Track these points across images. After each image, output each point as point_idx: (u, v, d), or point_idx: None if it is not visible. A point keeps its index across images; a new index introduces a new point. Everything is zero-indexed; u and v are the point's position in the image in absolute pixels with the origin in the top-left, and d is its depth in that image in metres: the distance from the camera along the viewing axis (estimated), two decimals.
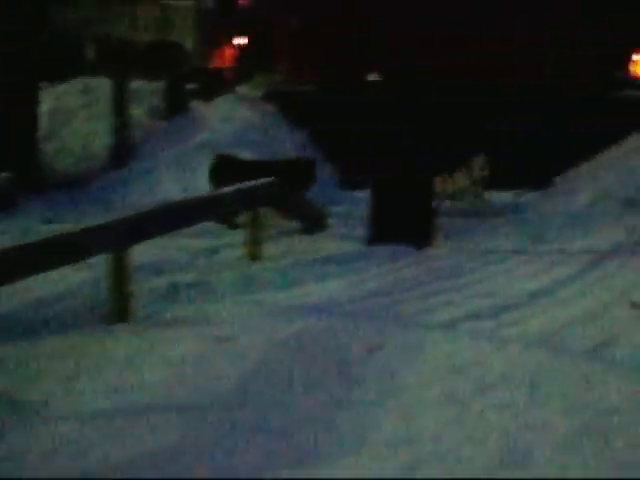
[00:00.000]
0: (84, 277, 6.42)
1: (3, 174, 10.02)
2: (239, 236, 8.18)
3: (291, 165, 9.84)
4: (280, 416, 4.07)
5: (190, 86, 13.98)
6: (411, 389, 4.52)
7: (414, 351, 5.10)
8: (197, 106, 13.22)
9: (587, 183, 9.96)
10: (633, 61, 16.39)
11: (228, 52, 19.12)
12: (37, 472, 3.48)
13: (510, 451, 3.87)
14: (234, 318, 5.81)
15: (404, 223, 8.20)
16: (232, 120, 12.91)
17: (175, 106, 12.98)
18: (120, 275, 5.65)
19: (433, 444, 3.88)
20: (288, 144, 12.78)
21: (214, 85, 14.14)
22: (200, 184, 11.47)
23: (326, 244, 8.55)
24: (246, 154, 12.11)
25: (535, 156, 9.83)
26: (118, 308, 5.66)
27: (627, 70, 15.42)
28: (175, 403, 4.21)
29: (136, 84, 12.99)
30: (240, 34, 17.35)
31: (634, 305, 6.30)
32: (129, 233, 5.73)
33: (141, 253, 7.40)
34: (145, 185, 11.11)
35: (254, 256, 7.86)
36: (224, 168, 9.83)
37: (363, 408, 4.25)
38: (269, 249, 8.17)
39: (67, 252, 5.36)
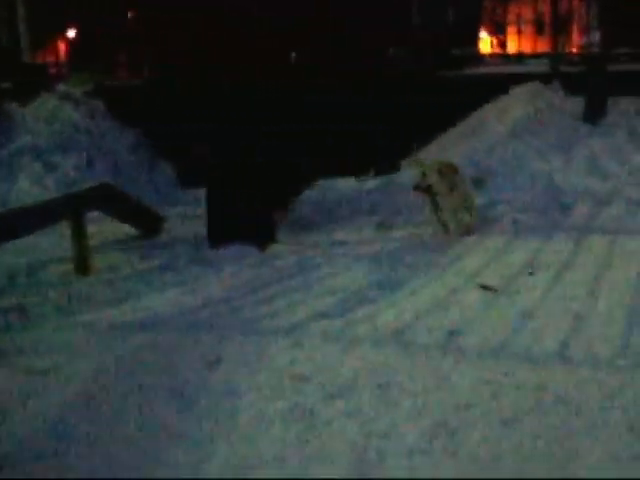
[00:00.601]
0: None
1: None
2: (67, 249, 7.73)
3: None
4: (99, 459, 3.76)
5: (6, 85, 13.27)
6: (251, 406, 4.32)
7: (256, 362, 4.91)
8: (14, 107, 12.52)
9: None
10: (480, 38, 16.92)
11: (57, 46, 18.33)
12: None
13: (360, 464, 3.74)
14: (58, 345, 5.42)
15: (243, 221, 8.00)
16: (55, 121, 12.32)
17: None
18: None
19: (276, 467, 3.70)
20: (119, 144, 12.34)
21: (33, 83, 13.45)
22: (22, 192, 10.90)
23: (164, 250, 8.23)
24: (72, 158, 11.62)
25: (379, 140, 9.83)
26: None
27: (476, 47, 15.88)
28: None
29: None
30: (70, 26, 16.66)
31: (483, 287, 6.36)
32: None
33: None
34: None
35: (83, 270, 7.46)
36: None
37: (198, 435, 4.02)
38: (100, 260, 7.78)
39: None
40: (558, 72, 11.82)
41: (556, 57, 12.90)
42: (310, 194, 9.54)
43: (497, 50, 18.06)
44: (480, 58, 15.40)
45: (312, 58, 12.59)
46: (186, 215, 10.16)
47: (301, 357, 4.94)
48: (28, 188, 11.08)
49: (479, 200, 8.78)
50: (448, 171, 8.21)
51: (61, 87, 13.11)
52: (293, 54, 13.16)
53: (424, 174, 8.09)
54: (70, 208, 7.53)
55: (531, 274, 6.76)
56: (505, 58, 16.01)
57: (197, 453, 3.85)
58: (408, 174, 9.15)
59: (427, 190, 8.11)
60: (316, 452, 3.82)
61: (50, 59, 16.69)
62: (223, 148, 8.14)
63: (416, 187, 8.17)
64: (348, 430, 4.00)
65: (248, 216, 8.06)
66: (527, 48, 17.33)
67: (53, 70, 15.89)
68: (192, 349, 5.17)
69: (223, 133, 8.05)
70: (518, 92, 11.04)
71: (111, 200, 8.28)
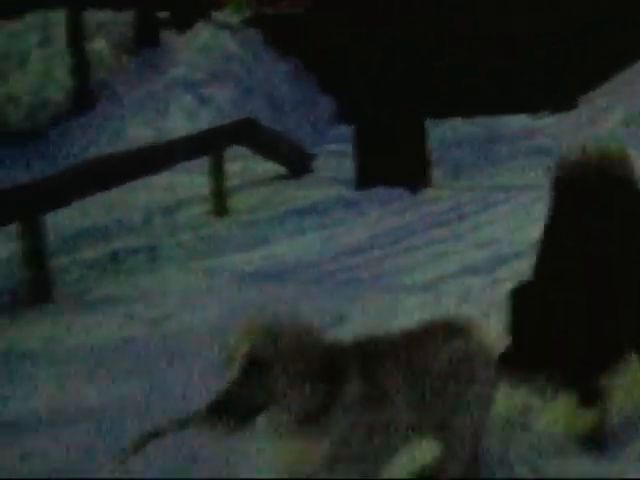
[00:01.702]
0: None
1: None
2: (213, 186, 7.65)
3: None
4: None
5: (163, 14, 13.40)
6: None
7: (384, 322, 4.62)
8: (170, 37, 12.63)
9: (617, 102, 9.28)
10: None
11: None
12: None
13: None
14: (177, 292, 5.38)
15: (395, 162, 7.67)
16: (210, 51, 12.32)
17: (145, 38, 12.40)
18: (34, 248, 5.21)
19: None
20: (275, 76, 12.21)
21: (191, 11, 13.52)
22: (175, 126, 11.01)
23: (309, 191, 8.05)
24: (226, 90, 11.60)
25: (555, 71, 9.15)
26: (36, 287, 5.23)
27: None
28: (79, 409, 3.78)
29: (101, 15, 12.42)
30: None
31: None
32: (42, 198, 5.27)
33: (84, 214, 7.07)
34: (110, 132, 10.62)
35: (220, 211, 7.41)
36: None
37: None
38: (240, 201, 7.71)
39: None
40: None
41: None
42: (471, 131, 9.07)
43: None
44: None
45: None
46: (340, 153, 9.93)
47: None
48: (181, 122, 11.16)
49: None
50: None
51: (217, 16, 13.09)
52: None
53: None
54: (209, 144, 7.46)
55: None
56: None
57: None
58: (587, 111, 8.51)
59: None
60: None
61: None
62: (378, 82, 7.75)
63: None
64: None
65: (400, 155, 7.72)
66: None
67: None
68: (317, 304, 4.96)
69: (381, 65, 7.68)
70: None
71: (255, 136, 8.15)
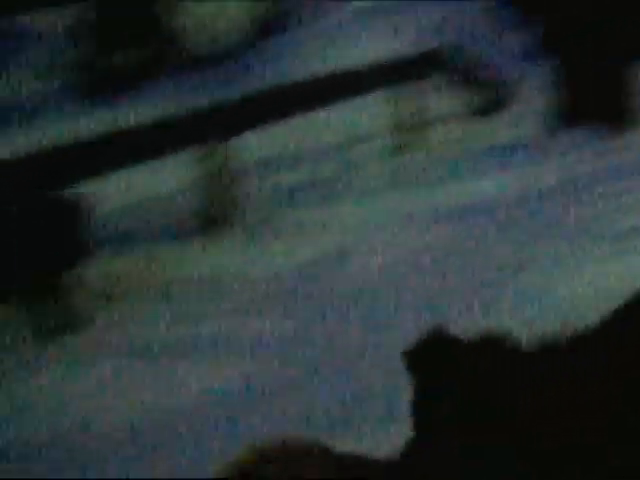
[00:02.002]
0: (184, 177, 6.21)
1: (118, 54, 9.97)
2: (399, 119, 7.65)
3: None
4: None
5: None
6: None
7: (565, 272, 4.53)
8: None
9: None
10: None
11: None
12: None
13: None
14: (355, 228, 5.46)
15: (598, 102, 7.41)
16: None
17: None
18: (222, 174, 5.42)
19: None
20: (470, 6, 11.91)
21: None
22: (362, 56, 11.01)
23: (498, 128, 7.94)
24: (417, 20, 11.46)
25: None
26: (219, 215, 5.46)
27: None
28: (244, 341, 3.95)
29: None
30: None
31: None
32: (233, 121, 5.43)
33: (270, 144, 7.26)
34: (297, 59, 10.75)
35: (409, 145, 7.43)
36: None
37: None
38: (424, 137, 7.68)
39: (152, 147, 5.14)
40: None
41: None
42: None
43: None
44: None
45: None
46: (537, 90, 9.67)
47: (622, 271, 4.47)
48: (369, 52, 11.13)
49: None
50: None
51: None
52: None
53: None
54: (397, 75, 7.45)
55: None
56: None
57: None
58: None
59: None
60: None
61: None
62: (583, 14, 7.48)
63: None
64: None
65: (604, 95, 7.45)
66: None
67: None
68: (495, 251, 4.90)
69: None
70: None
71: (445, 68, 8.08)
